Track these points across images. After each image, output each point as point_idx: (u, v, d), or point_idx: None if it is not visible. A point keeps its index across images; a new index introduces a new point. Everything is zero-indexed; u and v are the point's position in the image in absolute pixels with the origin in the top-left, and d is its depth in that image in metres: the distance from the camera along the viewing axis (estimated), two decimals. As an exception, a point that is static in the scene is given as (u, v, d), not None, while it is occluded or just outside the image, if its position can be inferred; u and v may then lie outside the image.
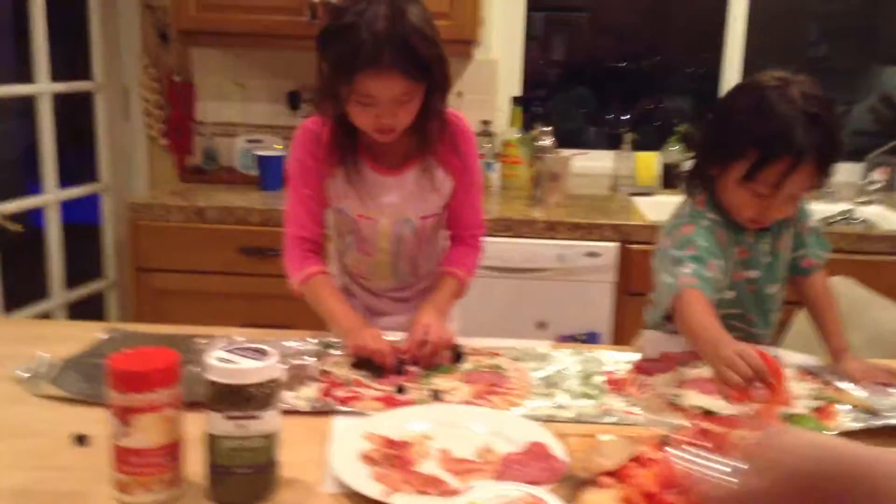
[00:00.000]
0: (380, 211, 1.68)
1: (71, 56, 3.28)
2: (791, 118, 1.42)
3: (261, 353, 1.04)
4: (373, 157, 1.65)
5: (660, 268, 1.57)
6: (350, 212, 1.69)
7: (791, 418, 1.25)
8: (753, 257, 1.62)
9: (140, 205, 2.75)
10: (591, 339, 2.67)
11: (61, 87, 2.95)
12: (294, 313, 2.33)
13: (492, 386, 1.39)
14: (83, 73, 3.12)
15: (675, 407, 1.32)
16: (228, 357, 1.02)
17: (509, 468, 1.12)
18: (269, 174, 2.95)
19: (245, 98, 3.26)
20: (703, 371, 1.43)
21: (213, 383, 1.00)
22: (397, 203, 1.67)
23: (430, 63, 1.49)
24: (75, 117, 3.36)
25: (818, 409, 1.31)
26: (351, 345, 1.51)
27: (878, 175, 3.27)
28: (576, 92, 3.86)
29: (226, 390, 0.99)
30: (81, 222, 3.28)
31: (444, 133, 1.63)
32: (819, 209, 2.98)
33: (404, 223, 1.70)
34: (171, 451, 1.02)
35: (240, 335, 1.59)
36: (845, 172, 3.38)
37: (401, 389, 1.37)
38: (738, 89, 1.59)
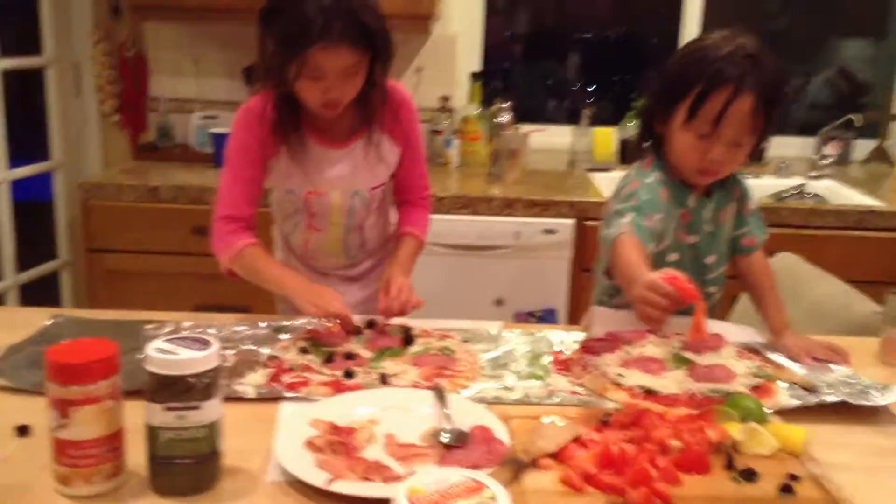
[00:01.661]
0: (330, 185, 1.69)
1: (21, 31, 3.19)
2: (729, 53, 1.48)
3: (201, 343, 1.03)
4: (317, 131, 1.66)
5: (604, 225, 1.62)
6: (299, 190, 1.69)
7: (730, 397, 1.28)
8: (695, 222, 1.65)
9: (92, 184, 2.71)
10: (548, 315, 2.70)
11: (11, 62, 2.88)
12: (249, 294, 2.32)
13: (440, 368, 1.40)
14: (33, 48, 3.04)
15: (619, 386, 1.34)
16: (167, 347, 1.01)
17: (452, 452, 1.13)
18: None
19: (200, 73, 3.21)
20: (648, 350, 1.46)
21: (152, 374, 1.00)
22: (347, 175, 1.69)
23: (376, 33, 1.51)
24: (26, 94, 3.29)
25: (757, 388, 1.34)
26: (308, 303, 1.52)
27: (831, 149, 3.32)
28: (538, 65, 3.85)
29: (164, 381, 0.99)
30: (33, 199, 3.22)
31: (386, 104, 1.66)
32: (771, 184, 3.04)
33: (355, 195, 1.72)
34: (111, 442, 1.02)
35: (189, 320, 1.58)
36: (799, 147, 3.43)
37: (349, 374, 1.37)
38: (682, 47, 1.65)
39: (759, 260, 1.73)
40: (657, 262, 1.61)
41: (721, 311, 1.90)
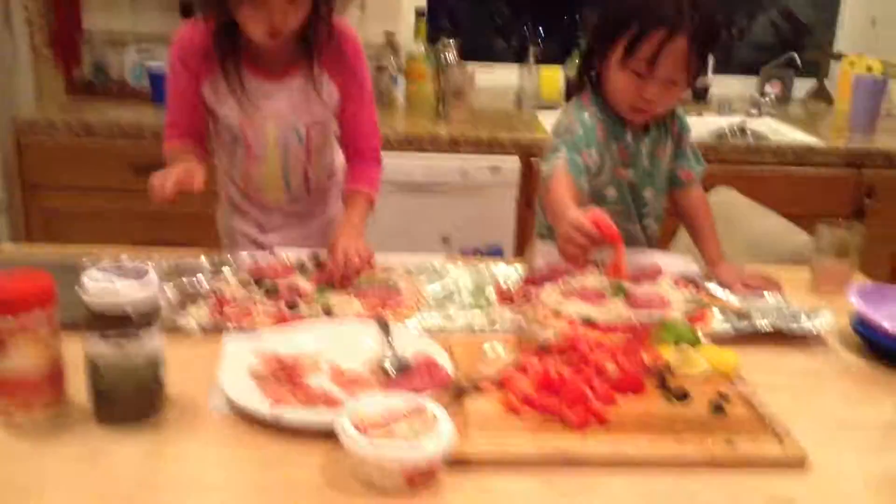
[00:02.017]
0: (264, 118, 1.67)
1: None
2: None
3: (139, 273, 1.02)
4: (255, 63, 1.63)
5: (542, 160, 1.64)
6: (233, 120, 1.67)
7: (664, 324, 1.31)
8: (632, 158, 1.68)
9: (25, 121, 2.62)
10: (494, 252, 2.72)
11: (-69, -7, 2.75)
12: (192, 232, 2.29)
13: (383, 300, 1.42)
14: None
15: (559, 315, 1.37)
16: (104, 277, 1.00)
17: (396, 379, 1.15)
18: (162, 87, 2.82)
19: (135, 6, 3.10)
20: (587, 281, 1.49)
21: (89, 305, 0.99)
22: (282, 110, 1.66)
23: None
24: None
25: (692, 315, 1.38)
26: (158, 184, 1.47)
27: (772, 88, 3.38)
28: (484, 3, 3.81)
29: (101, 310, 0.98)
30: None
31: (330, 40, 1.62)
32: (713, 121, 3.08)
33: (291, 131, 1.69)
34: (50, 371, 1.01)
35: (128, 253, 1.56)
36: (740, 85, 3.48)
37: (292, 306, 1.37)
38: None
39: (697, 194, 1.76)
40: (595, 197, 1.63)
41: (661, 244, 1.94)
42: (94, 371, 1.01)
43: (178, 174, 1.46)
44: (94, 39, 3.08)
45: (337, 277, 1.49)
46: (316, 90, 1.65)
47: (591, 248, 1.28)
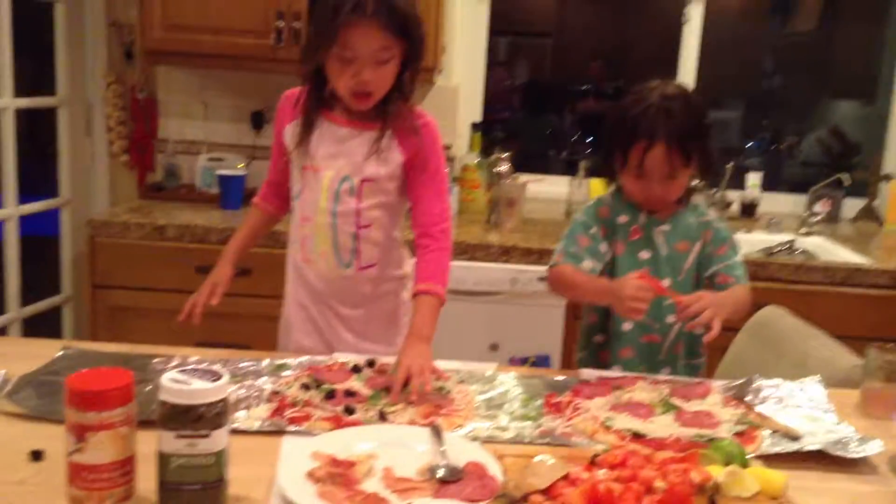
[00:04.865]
0: (323, 162, 1.78)
1: (36, 71, 3.30)
2: (643, 111, 1.74)
3: (212, 375, 1.09)
4: (331, 109, 1.78)
5: None
6: (298, 161, 1.80)
7: (713, 442, 1.33)
8: (647, 239, 1.83)
9: (99, 221, 2.78)
10: (541, 362, 2.75)
11: (25, 101, 2.97)
12: (251, 332, 2.38)
13: (436, 407, 1.46)
14: (47, 87, 3.14)
15: (608, 429, 1.40)
16: (180, 378, 1.07)
17: (447, 487, 1.18)
18: (230, 193, 2.99)
19: (208, 117, 3.31)
20: (636, 395, 1.52)
21: (165, 403, 1.05)
22: (342, 157, 1.77)
23: (408, 20, 1.63)
24: (38, 131, 3.38)
25: (740, 434, 1.40)
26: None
27: (821, 207, 3.41)
28: (537, 117, 3.96)
29: (176, 410, 1.05)
30: (39, 235, 3.29)
31: (404, 112, 1.74)
32: (762, 239, 3.12)
33: (344, 180, 1.77)
34: (124, 467, 1.07)
35: (195, 355, 1.63)
36: (789, 204, 3.52)
37: (349, 410, 1.42)
38: (618, 102, 1.89)
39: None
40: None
41: (711, 361, 1.96)
42: (165, 466, 1.07)
43: (203, 299, 1.85)
44: (167, 146, 3.28)
45: (394, 395, 1.49)
46: (379, 149, 1.73)
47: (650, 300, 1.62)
